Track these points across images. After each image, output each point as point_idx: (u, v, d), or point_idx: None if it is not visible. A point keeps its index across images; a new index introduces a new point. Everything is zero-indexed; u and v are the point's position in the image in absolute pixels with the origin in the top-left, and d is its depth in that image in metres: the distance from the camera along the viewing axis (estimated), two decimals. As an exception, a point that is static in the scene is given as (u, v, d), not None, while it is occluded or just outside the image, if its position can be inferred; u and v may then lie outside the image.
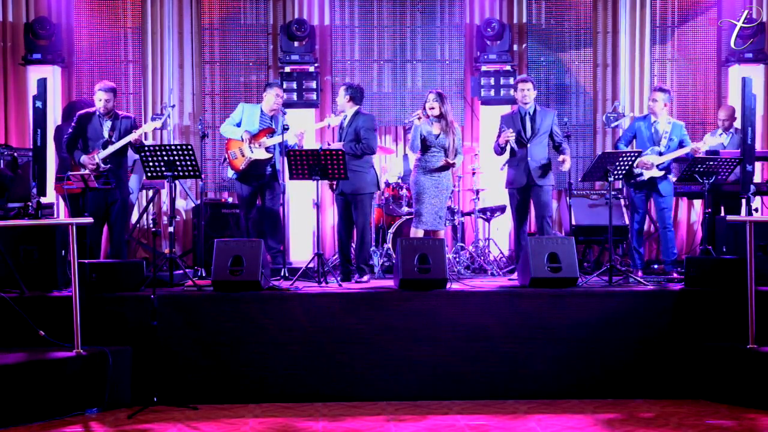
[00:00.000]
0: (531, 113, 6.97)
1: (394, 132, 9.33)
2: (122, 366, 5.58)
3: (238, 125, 7.17)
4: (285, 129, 6.99)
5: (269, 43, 9.22)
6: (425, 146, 6.78)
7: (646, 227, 7.68)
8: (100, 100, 6.89)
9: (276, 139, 7.02)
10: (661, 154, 7.05)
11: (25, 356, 5.32)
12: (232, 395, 5.77)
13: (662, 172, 7.04)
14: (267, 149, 7.06)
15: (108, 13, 9.07)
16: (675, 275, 6.89)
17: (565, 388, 5.82)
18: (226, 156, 7.16)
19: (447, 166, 6.77)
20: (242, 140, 7.05)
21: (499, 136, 7.02)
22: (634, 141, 7.29)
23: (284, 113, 7.30)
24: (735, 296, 5.81)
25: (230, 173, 7.20)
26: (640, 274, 6.93)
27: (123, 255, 7.00)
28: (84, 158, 6.84)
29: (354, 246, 7.03)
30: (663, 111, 7.16)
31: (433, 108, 6.74)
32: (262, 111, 7.22)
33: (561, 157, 6.97)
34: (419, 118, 6.74)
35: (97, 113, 6.95)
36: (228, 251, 6.06)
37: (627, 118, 8.72)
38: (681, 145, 7.11)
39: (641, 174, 7.04)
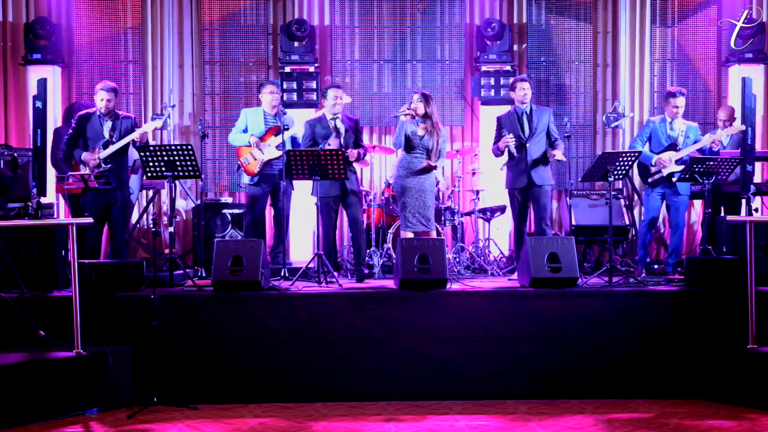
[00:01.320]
0: (528, 113, 6.98)
1: (393, 132, 9.32)
2: (122, 366, 5.58)
3: (245, 132, 7.20)
4: (286, 128, 7.01)
5: (269, 43, 9.22)
6: (409, 146, 6.80)
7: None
8: (102, 99, 6.89)
9: (286, 135, 7.04)
10: (679, 151, 7.12)
11: (25, 356, 5.32)
12: (232, 395, 5.77)
13: (681, 167, 7.04)
14: (277, 147, 7.07)
15: (108, 13, 9.07)
16: (675, 275, 6.89)
17: (565, 388, 5.82)
18: (239, 164, 7.20)
19: (430, 168, 6.78)
20: (250, 145, 7.09)
21: (497, 138, 7.03)
22: (649, 142, 7.31)
23: (284, 113, 7.30)
24: (735, 296, 5.81)
25: (245, 179, 7.24)
26: (644, 274, 6.94)
27: (123, 255, 7.00)
28: (85, 155, 6.83)
29: (354, 247, 7.07)
30: (681, 114, 7.26)
31: (417, 108, 6.75)
32: (264, 112, 7.25)
33: (553, 152, 6.92)
34: (406, 115, 6.75)
35: (97, 113, 6.94)
36: (228, 251, 6.06)
37: (627, 118, 8.72)
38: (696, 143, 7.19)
39: (660, 171, 7.09)
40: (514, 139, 6.85)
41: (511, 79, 8.33)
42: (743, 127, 6.93)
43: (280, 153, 7.04)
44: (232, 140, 7.33)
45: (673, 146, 7.15)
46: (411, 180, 6.78)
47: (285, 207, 7.21)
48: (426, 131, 6.76)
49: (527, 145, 6.91)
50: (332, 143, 6.92)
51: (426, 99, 6.77)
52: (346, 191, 6.91)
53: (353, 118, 7.17)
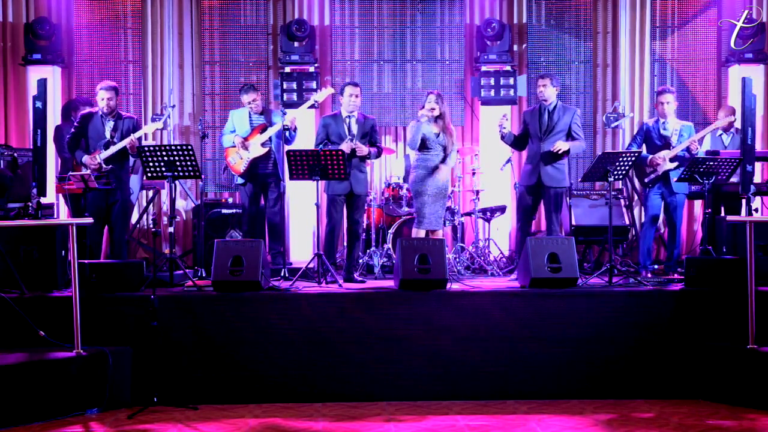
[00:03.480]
0: (550, 110, 7.00)
1: (394, 132, 9.34)
2: (122, 366, 5.58)
3: (233, 133, 7.27)
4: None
5: (269, 43, 9.23)
6: (424, 146, 6.83)
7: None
8: (103, 99, 6.90)
9: (270, 131, 7.07)
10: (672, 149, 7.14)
11: (25, 356, 5.32)
12: (232, 395, 5.77)
13: (675, 164, 7.05)
14: (263, 144, 7.13)
15: (108, 13, 9.08)
16: (675, 275, 6.90)
17: (565, 388, 5.82)
18: (227, 165, 7.26)
19: (445, 166, 6.85)
20: (235, 145, 7.14)
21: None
22: (645, 144, 7.32)
23: (284, 113, 7.31)
24: (735, 296, 5.81)
25: (236, 179, 7.33)
26: (650, 275, 6.95)
27: (123, 255, 7.00)
28: (86, 158, 6.84)
29: (347, 248, 7.06)
30: (672, 112, 7.25)
31: (434, 109, 6.81)
32: (250, 112, 7.31)
33: (558, 144, 6.85)
34: (425, 117, 6.78)
35: (100, 113, 6.95)
36: (228, 251, 6.06)
37: (627, 118, 8.72)
38: None
39: (655, 171, 7.10)
40: (507, 118, 6.93)
41: (512, 80, 8.42)
42: (732, 118, 7.03)
43: (265, 149, 7.13)
44: (223, 142, 7.41)
45: (667, 146, 7.15)
46: (430, 179, 6.83)
47: (282, 206, 7.22)
48: (441, 129, 6.84)
49: (541, 142, 6.91)
50: (344, 147, 6.82)
51: (441, 99, 6.87)
52: (353, 193, 6.90)
53: (369, 117, 7.16)
